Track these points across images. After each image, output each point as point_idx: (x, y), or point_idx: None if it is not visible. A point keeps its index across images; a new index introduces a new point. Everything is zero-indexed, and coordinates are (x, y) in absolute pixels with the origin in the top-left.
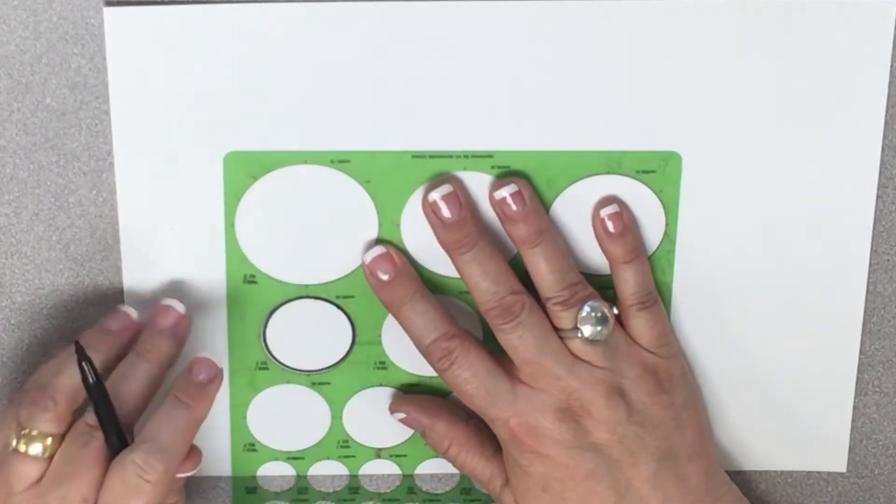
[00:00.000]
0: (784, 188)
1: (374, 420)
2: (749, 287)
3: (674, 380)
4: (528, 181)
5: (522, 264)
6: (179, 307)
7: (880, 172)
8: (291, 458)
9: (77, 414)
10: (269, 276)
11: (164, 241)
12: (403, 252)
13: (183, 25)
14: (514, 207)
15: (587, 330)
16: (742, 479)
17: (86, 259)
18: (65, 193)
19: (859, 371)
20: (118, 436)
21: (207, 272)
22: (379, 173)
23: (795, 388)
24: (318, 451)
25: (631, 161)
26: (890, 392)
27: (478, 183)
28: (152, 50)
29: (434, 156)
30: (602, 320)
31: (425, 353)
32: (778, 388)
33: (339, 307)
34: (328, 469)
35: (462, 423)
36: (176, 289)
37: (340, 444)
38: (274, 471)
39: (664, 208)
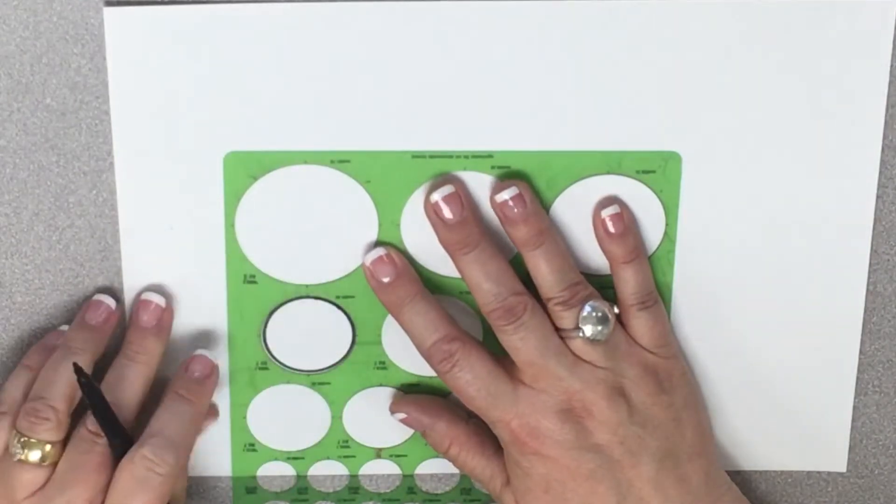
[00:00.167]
0: (784, 188)
1: (374, 420)
2: (749, 287)
3: (674, 380)
4: (529, 181)
5: (523, 264)
6: (160, 300)
7: (880, 172)
8: (291, 458)
9: (75, 418)
10: (269, 276)
11: (164, 241)
12: (403, 252)
13: (183, 25)
14: (515, 210)
15: (588, 329)
16: (742, 479)
17: (86, 259)
18: (65, 193)
19: (859, 371)
20: (121, 438)
21: (207, 272)
22: (379, 173)
23: (795, 388)
24: (318, 451)
25: (631, 161)
26: (890, 392)
27: (478, 183)
28: (152, 50)
29: (434, 156)
30: (603, 320)
31: (426, 355)
32: (778, 388)
33: (339, 307)
34: (328, 469)
35: (463, 423)
36: (176, 289)
37: (340, 444)
38: (274, 471)
39: (664, 208)
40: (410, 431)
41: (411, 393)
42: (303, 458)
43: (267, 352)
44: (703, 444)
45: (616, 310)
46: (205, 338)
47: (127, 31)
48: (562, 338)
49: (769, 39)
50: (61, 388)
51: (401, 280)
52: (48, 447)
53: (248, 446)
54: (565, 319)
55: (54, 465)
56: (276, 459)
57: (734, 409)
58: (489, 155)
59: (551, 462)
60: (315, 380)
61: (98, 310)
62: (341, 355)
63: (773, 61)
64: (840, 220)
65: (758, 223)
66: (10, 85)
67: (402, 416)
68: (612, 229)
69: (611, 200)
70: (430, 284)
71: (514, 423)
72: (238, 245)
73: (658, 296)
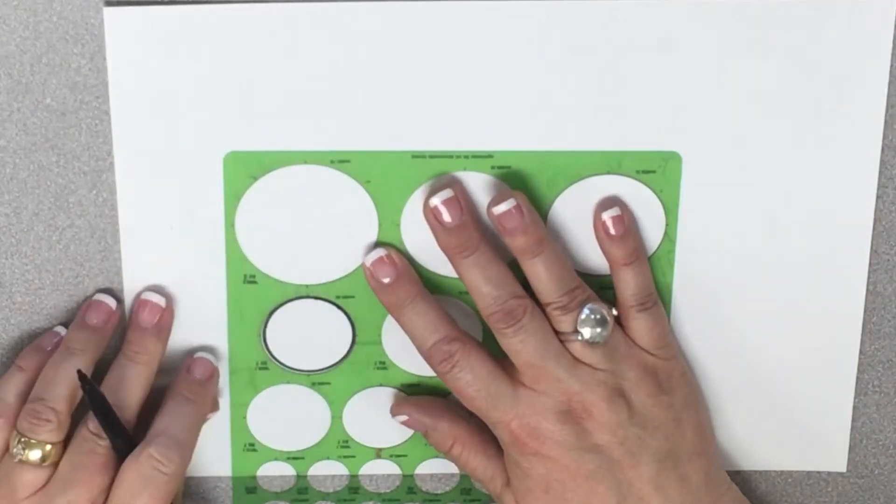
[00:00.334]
0: (784, 188)
1: (374, 420)
2: (749, 287)
3: (673, 381)
4: (529, 181)
5: (521, 268)
6: (160, 300)
7: (880, 172)
8: (291, 458)
9: (76, 418)
10: (269, 276)
11: (164, 241)
12: (403, 252)
13: (183, 25)
14: (513, 221)
15: (587, 332)
16: (742, 479)
17: (86, 259)
18: (65, 193)
19: (859, 371)
20: (123, 439)
21: (207, 272)
22: (379, 173)
23: (795, 388)
24: (318, 451)
25: (631, 161)
26: (890, 392)
27: (478, 183)
28: (152, 50)
29: (434, 156)
30: (601, 322)
31: (426, 355)
32: (778, 388)
33: (339, 307)
34: (328, 469)
35: (465, 422)
36: (176, 289)
37: (340, 444)
38: (274, 471)
39: (664, 208)
40: (410, 431)
41: (411, 393)
42: (303, 458)
43: (267, 352)
44: (704, 444)
45: (615, 312)
46: (205, 338)
47: (127, 31)
48: (561, 341)
49: (769, 39)
50: (62, 389)
51: (401, 281)
52: (49, 447)
53: (248, 446)
54: (564, 323)
55: (55, 465)
56: (276, 459)
57: (734, 409)
58: (489, 155)
59: (551, 462)
60: (315, 380)
61: (98, 310)
62: (341, 355)
63: (773, 61)
64: (840, 220)
65: (758, 223)
66: (10, 85)
67: (403, 418)
68: (612, 231)
69: (611, 202)
70: (430, 285)
71: (513, 424)
72: (238, 245)
73: (658, 297)
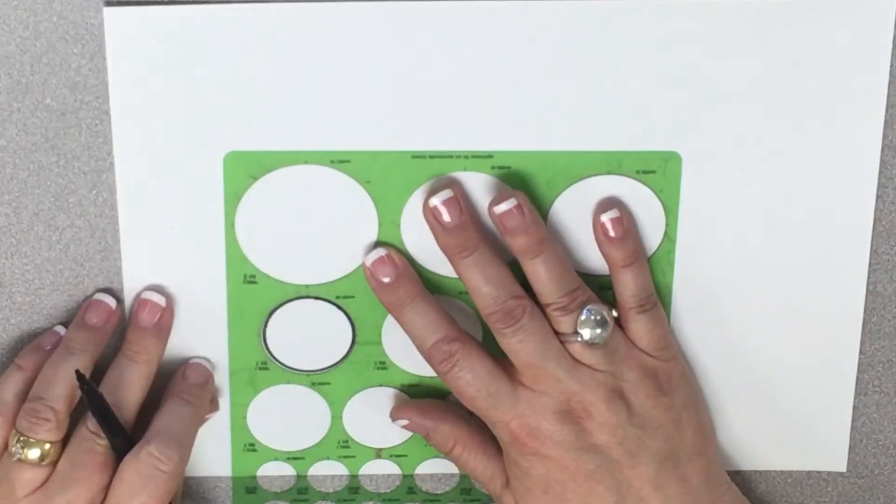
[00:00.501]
0: (784, 188)
1: (374, 420)
2: (749, 287)
3: (673, 381)
4: (529, 181)
5: (520, 268)
6: (160, 300)
7: (880, 172)
8: (291, 458)
9: (75, 417)
10: (269, 276)
11: (164, 241)
12: (403, 252)
13: (183, 25)
14: (514, 221)
15: (587, 333)
16: (742, 479)
17: (86, 259)
18: (65, 193)
19: (859, 371)
20: (123, 438)
21: (207, 272)
22: (379, 173)
23: (795, 388)
24: (318, 451)
25: (631, 161)
26: (890, 392)
27: (478, 183)
28: (152, 50)
29: (434, 156)
30: (601, 323)
31: (427, 355)
32: (778, 388)
33: (339, 307)
34: (328, 469)
35: (465, 423)
36: (176, 289)
37: (340, 444)
38: (274, 471)
39: (664, 208)
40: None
41: (411, 393)
42: (303, 458)
43: (267, 352)
44: (704, 444)
45: (615, 313)
46: (205, 338)
47: (127, 31)
48: (561, 341)
49: (769, 40)
50: (61, 388)
51: (401, 281)
52: (47, 446)
53: (248, 446)
54: (564, 324)
55: (54, 463)
56: (276, 459)
57: (734, 410)
58: (489, 155)
59: (550, 462)
60: (315, 380)
61: (98, 310)
62: (341, 355)
63: (772, 61)
64: (840, 220)
65: (758, 223)
66: (10, 85)
67: (403, 422)
68: (611, 233)
69: (610, 204)
70: (430, 285)
71: (513, 424)
72: (238, 245)
73: (657, 299)
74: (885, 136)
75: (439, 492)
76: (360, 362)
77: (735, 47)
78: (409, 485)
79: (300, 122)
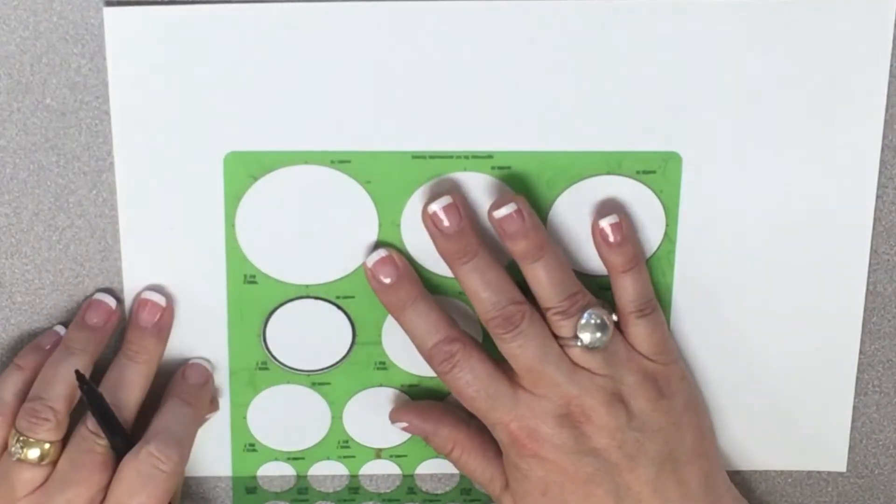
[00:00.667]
0: (784, 188)
1: (374, 420)
2: (749, 287)
3: (673, 385)
4: (529, 182)
5: (519, 270)
6: (160, 300)
7: (880, 172)
8: (291, 458)
9: (75, 416)
10: (269, 276)
11: (164, 241)
12: (403, 253)
13: (183, 25)
14: (514, 225)
15: (586, 337)
16: (742, 480)
17: (86, 259)
18: (65, 193)
19: (859, 371)
20: (122, 438)
21: (207, 272)
22: (379, 173)
23: (795, 388)
24: (318, 451)
25: (631, 161)
26: (890, 392)
27: (478, 183)
28: (152, 50)
29: (434, 156)
30: (601, 327)
31: (427, 356)
32: (778, 388)
33: (339, 307)
34: (328, 469)
35: (464, 426)
36: (176, 289)
37: (340, 445)
38: (274, 471)
39: (664, 209)
40: None
41: (411, 393)
42: (303, 459)
43: (267, 352)
44: (704, 446)
45: (615, 317)
46: (205, 338)
47: (127, 31)
48: (561, 345)
49: (769, 39)
50: (60, 388)
51: (402, 281)
52: (47, 446)
53: (248, 446)
54: (564, 328)
55: (53, 463)
56: (276, 459)
57: (734, 410)
58: (489, 155)
59: (549, 465)
60: (315, 380)
61: (98, 310)
62: (341, 355)
63: (773, 61)
64: (840, 220)
65: (758, 223)
66: (10, 85)
67: (403, 425)
68: (611, 239)
69: (609, 209)
70: (430, 285)
71: (513, 426)
72: (238, 245)
73: (657, 303)
74: (885, 136)
75: (439, 492)
76: (360, 362)
77: (735, 47)
78: (409, 485)
79: (300, 122)
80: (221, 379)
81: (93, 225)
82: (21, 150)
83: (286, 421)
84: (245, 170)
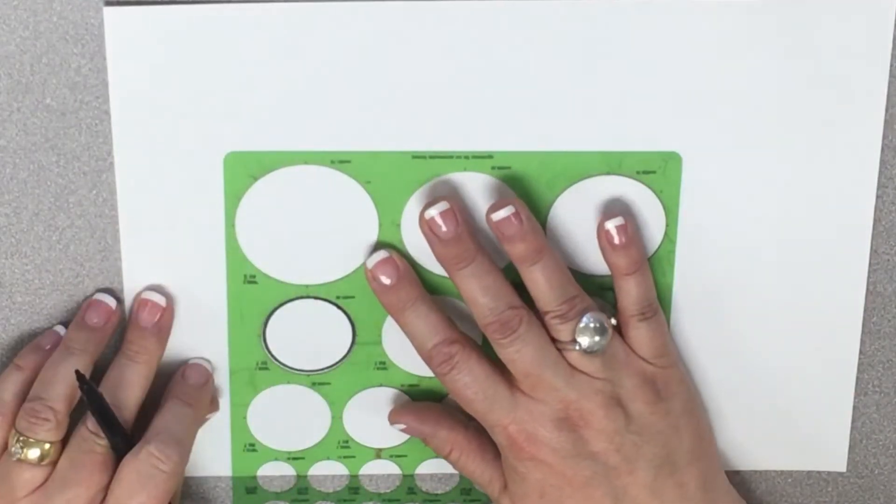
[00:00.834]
0: (784, 188)
1: (374, 420)
2: (749, 287)
3: (672, 388)
4: (528, 182)
5: (517, 272)
6: (160, 300)
7: (880, 172)
8: (291, 458)
9: (75, 416)
10: (269, 276)
11: (164, 241)
12: (403, 252)
13: (183, 25)
14: (511, 228)
15: (585, 341)
16: (742, 480)
17: (86, 259)
18: (65, 193)
19: (859, 371)
20: (122, 438)
21: (207, 272)
22: (379, 174)
23: (795, 388)
24: (318, 452)
25: (631, 161)
26: (890, 392)
27: (478, 184)
28: (152, 50)
29: (434, 156)
30: (600, 331)
31: (426, 357)
32: (778, 388)
33: (339, 307)
34: (328, 469)
35: (462, 428)
36: (176, 289)
37: (340, 445)
38: (274, 471)
39: (664, 209)
40: None
41: (411, 393)
42: (303, 458)
43: (267, 352)
44: (702, 448)
45: (613, 321)
46: (205, 338)
47: (127, 31)
48: (559, 349)
49: (769, 39)
50: (60, 388)
51: (402, 283)
52: (47, 446)
53: (248, 446)
54: (562, 332)
55: (53, 463)
56: (276, 459)
57: (734, 410)
58: (489, 155)
59: (547, 468)
60: (315, 380)
61: (98, 310)
62: (341, 355)
63: (772, 61)
64: (840, 220)
65: (758, 223)
66: (10, 85)
67: (401, 426)
68: (616, 241)
69: (615, 211)
70: (430, 285)
71: (511, 428)
72: (238, 245)
73: (658, 306)
74: (885, 136)
75: (439, 492)
76: (360, 362)
77: (735, 47)
78: (409, 485)
79: (300, 122)
80: (221, 379)
81: (93, 225)
82: (21, 150)
83: (286, 421)
84: (245, 170)
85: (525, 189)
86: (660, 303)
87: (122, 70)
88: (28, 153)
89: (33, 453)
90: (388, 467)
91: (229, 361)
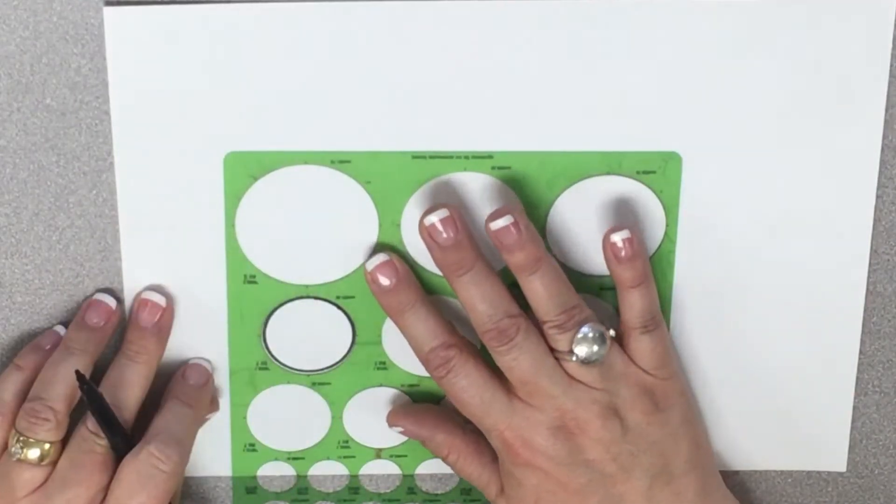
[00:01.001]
0: (784, 188)
1: (374, 420)
2: (749, 287)
3: (670, 399)
4: (528, 182)
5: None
6: (160, 300)
7: (880, 172)
8: (291, 458)
9: (75, 416)
10: (269, 276)
11: (164, 241)
12: (403, 252)
13: (183, 25)
14: (510, 237)
15: (582, 352)
16: (742, 480)
17: (86, 259)
18: (65, 193)
19: (859, 371)
20: (122, 438)
21: (207, 272)
22: (379, 174)
23: (795, 388)
24: (318, 451)
25: (631, 161)
26: (890, 392)
27: (478, 183)
28: (152, 50)
29: (434, 156)
30: (598, 342)
31: (424, 360)
32: (778, 388)
33: (339, 307)
34: (328, 469)
35: (460, 432)
36: (176, 289)
37: (340, 445)
38: (274, 471)
39: (664, 209)
40: None
41: (411, 393)
42: (303, 459)
43: (267, 352)
44: (700, 457)
45: (612, 332)
46: (205, 338)
47: (127, 31)
48: (557, 358)
49: (769, 39)
50: (60, 388)
51: (402, 285)
52: (47, 446)
53: (248, 446)
54: (560, 342)
55: (53, 463)
56: (276, 459)
57: (734, 409)
58: (489, 155)
59: (543, 474)
60: (315, 380)
61: (98, 310)
62: (341, 355)
63: (772, 61)
64: (840, 220)
65: (758, 223)
66: (10, 85)
67: (399, 429)
68: (622, 254)
69: (619, 220)
70: (429, 285)
71: (507, 434)
72: (238, 245)
73: (662, 319)
74: (885, 136)
75: (439, 492)
76: (360, 362)
77: (735, 47)
78: (409, 485)
79: (300, 122)
80: (221, 379)
81: (93, 225)
82: (21, 150)
83: (286, 421)
84: (245, 170)
85: (525, 189)
86: (660, 303)
87: (122, 70)
88: (28, 153)
89: (33, 453)
90: (388, 467)
91: (229, 361)
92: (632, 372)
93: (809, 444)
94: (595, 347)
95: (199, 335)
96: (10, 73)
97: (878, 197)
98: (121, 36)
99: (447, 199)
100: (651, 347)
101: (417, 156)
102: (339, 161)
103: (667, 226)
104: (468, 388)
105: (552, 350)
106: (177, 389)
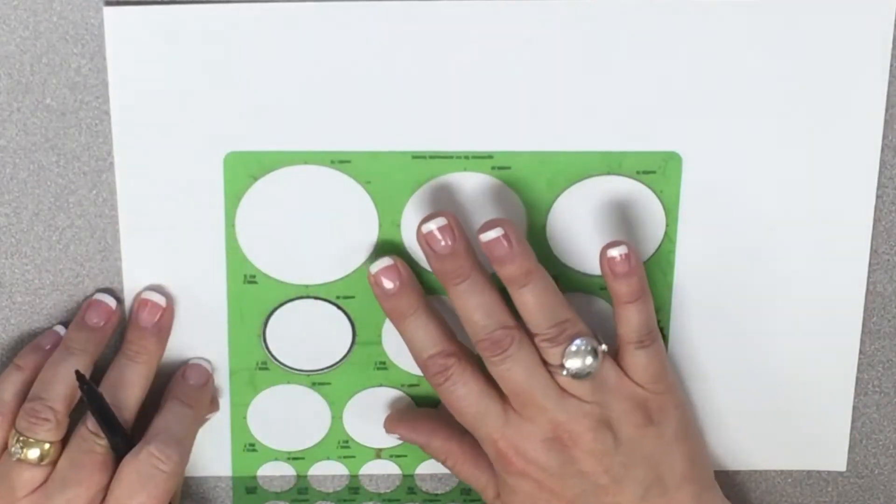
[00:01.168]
0: (784, 188)
1: (374, 420)
2: (749, 287)
3: (665, 412)
4: (528, 182)
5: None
6: (160, 300)
7: (880, 172)
8: (291, 458)
9: (74, 416)
10: (269, 276)
11: (164, 241)
12: (403, 252)
13: (183, 25)
14: (501, 250)
15: (574, 365)
16: (742, 480)
17: (86, 259)
18: (65, 193)
19: (859, 371)
20: (122, 438)
21: (207, 272)
22: (379, 174)
23: (795, 387)
24: (318, 452)
25: (631, 161)
26: (890, 392)
27: (478, 183)
28: (152, 50)
29: (434, 156)
30: (589, 356)
31: (422, 366)
32: (778, 387)
33: (339, 307)
34: (328, 469)
35: (456, 437)
36: (176, 289)
37: (340, 445)
38: (274, 471)
39: (664, 209)
40: None
41: (411, 393)
42: (303, 458)
43: (267, 352)
44: (695, 472)
45: (604, 347)
46: (205, 338)
47: (127, 31)
48: (549, 371)
49: (769, 39)
50: (60, 388)
51: (404, 291)
52: (47, 446)
53: (248, 446)
54: (552, 355)
55: (53, 463)
56: (276, 459)
57: (734, 409)
58: (489, 155)
59: (536, 483)
60: (315, 380)
61: (98, 310)
62: (341, 355)
63: (772, 61)
64: (840, 220)
65: (758, 223)
66: (10, 85)
67: (396, 436)
68: (619, 269)
69: (618, 241)
70: (429, 285)
71: (500, 443)
72: (238, 245)
73: (658, 334)
74: (885, 136)
75: (439, 492)
76: (360, 362)
77: (735, 47)
78: (409, 485)
79: (300, 122)
80: (221, 379)
81: (93, 225)
82: (21, 150)
83: (286, 421)
84: (245, 170)
85: (525, 189)
86: (660, 303)
87: (122, 70)
88: (28, 153)
89: (33, 453)
90: (388, 467)
91: (229, 361)
92: (625, 385)
93: (809, 444)
94: (586, 361)
95: (199, 335)
96: (10, 73)
97: (878, 197)
98: (121, 36)
99: (447, 199)
100: (646, 363)
101: (417, 156)
102: (339, 161)
103: (667, 226)
104: (465, 396)
105: (545, 363)
106: (177, 389)
